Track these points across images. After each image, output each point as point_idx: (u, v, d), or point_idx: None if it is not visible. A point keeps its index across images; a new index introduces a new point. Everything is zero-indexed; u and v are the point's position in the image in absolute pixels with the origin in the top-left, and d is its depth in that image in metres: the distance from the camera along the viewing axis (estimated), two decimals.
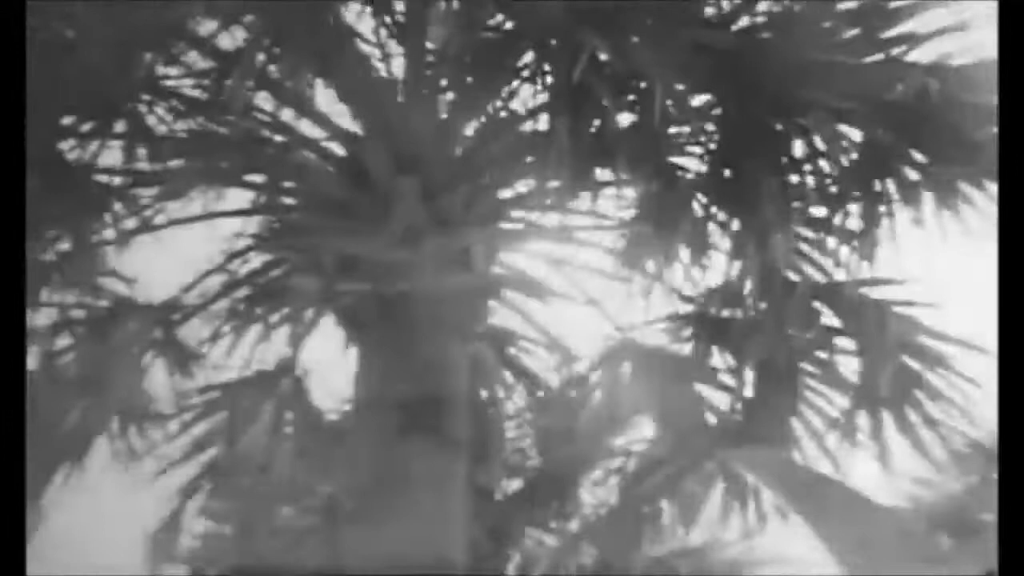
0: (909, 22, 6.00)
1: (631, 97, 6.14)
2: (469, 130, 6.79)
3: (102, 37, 5.90)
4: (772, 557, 10.72)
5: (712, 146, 6.46)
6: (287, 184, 6.99)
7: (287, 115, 6.63)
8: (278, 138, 6.81)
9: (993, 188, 6.06)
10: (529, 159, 6.59)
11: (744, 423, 6.69)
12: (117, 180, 6.76)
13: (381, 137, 6.50)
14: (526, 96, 6.42)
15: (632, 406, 7.39)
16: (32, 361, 6.81)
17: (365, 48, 6.56)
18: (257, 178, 7.05)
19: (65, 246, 6.67)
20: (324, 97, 6.56)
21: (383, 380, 6.41)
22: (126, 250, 6.88)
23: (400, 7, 6.67)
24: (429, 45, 6.65)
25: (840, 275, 6.54)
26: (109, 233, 6.79)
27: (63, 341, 7.03)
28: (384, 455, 6.25)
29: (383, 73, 6.63)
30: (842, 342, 6.73)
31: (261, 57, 6.06)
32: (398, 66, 6.63)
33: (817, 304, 6.54)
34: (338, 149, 6.70)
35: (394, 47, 6.64)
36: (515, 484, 10.40)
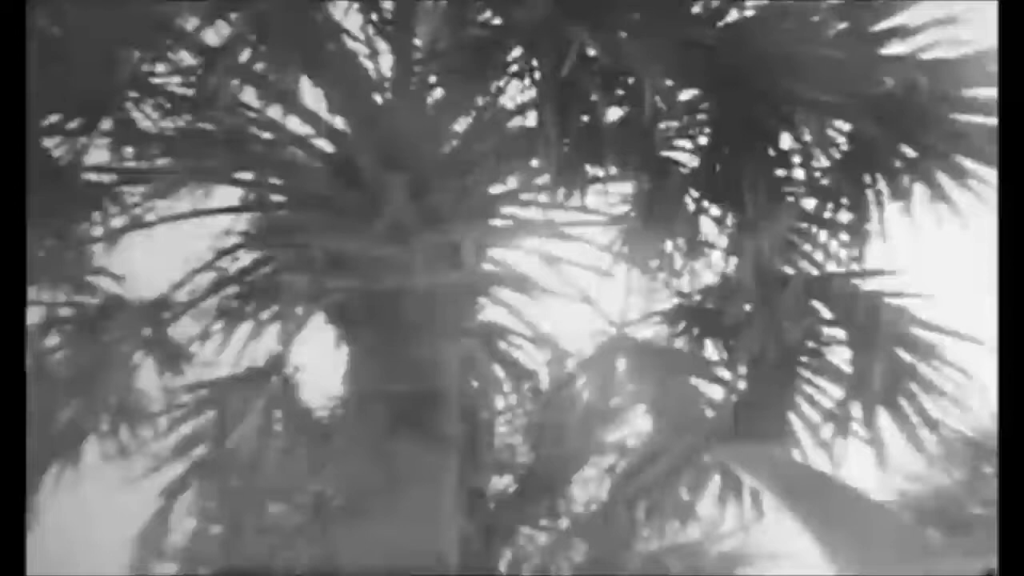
0: (898, 16, 6.00)
1: (620, 92, 6.13)
2: (458, 126, 6.79)
3: (88, 34, 5.88)
4: (767, 554, 10.74)
5: (702, 141, 6.46)
6: (276, 181, 6.99)
7: (275, 112, 6.63)
8: (266, 135, 6.80)
9: (979, 179, 6.07)
10: (518, 155, 6.59)
11: (738, 416, 6.69)
12: (105, 178, 6.74)
13: (369, 134, 6.50)
14: (514, 92, 6.42)
15: (625, 401, 7.39)
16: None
17: (353, 45, 6.56)
18: (246, 175, 7.05)
19: (52, 243, 6.65)
20: (312, 94, 6.56)
21: (373, 377, 6.41)
22: (115, 248, 6.86)
23: (388, 4, 6.67)
24: (417, 42, 6.65)
25: (831, 267, 6.53)
26: (98, 231, 6.77)
27: (52, 340, 7.01)
28: (374, 452, 6.25)
29: (371, 70, 6.62)
30: (835, 334, 6.73)
31: (248, 53, 6.05)
32: (386, 63, 6.64)
33: (809, 296, 6.53)
34: (327, 146, 6.70)
35: (382, 44, 6.64)
36: (506, 481, 10.42)
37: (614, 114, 6.22)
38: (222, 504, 7.52)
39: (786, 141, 6.25)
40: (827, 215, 6.38)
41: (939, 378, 6.50)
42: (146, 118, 6.51)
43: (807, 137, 6.18)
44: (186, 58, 6.43)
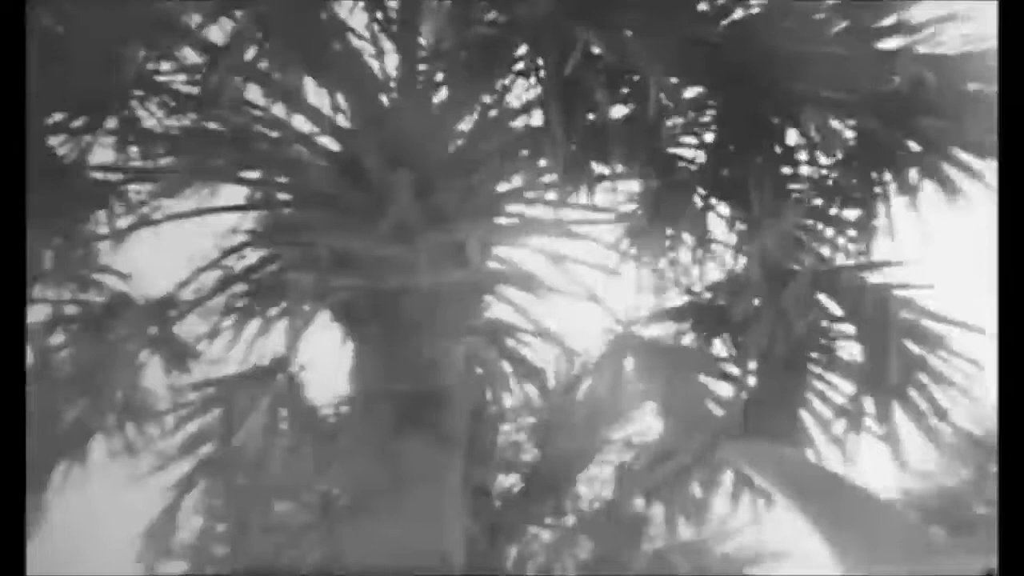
0: (901, 12, 6.00)
1: (625, 90, 6.13)
2: (463, 125, 6.79)
3: (92, 33, 5.89)
4: (775, 553, 10.73)
5: (707, 138, 6.46)
6: (281, 180, 6.99)
7: (280, 111, 6.64)
8: (272, 134, 6.81)
9: (983, 172, 6.08)
10: (524, 153, 6.59)
11: (748, 414, 6.69)
12: (111, 176, 6.75)
13: (375, 133, 6.50)
14: (520, 91, 6.42)
15: (634, 399, 7.39)
16: (28, 358, 6.80)
17: (358, 44, 6.56)
18: (251, 174, 7.06)
19: (58, 242, 6.66)
20: (317, 93, 6.57)
21: (378, 376, 6.41)
22: (121, 246, 6.87)
23: (393, 3, 6.67)
24: (422, 41, 6.65)
25: (839, 261, 6.53)
26: (103, 229, 6.78)
27: (58, 338, 7.02)
28: (379, 451, 6.26)
29: (376, 69, 6.63)
30: (844, 329, 6.73)
31: (253, 51, 6.05)
32: (391, 62, 6.64)
33: (816, 290, 6.52)
34: (332, 145, 6.70)
35: (387, 43, 6.65)
36: (512, 480, 10.42)
37: (619, 112, 6.22)
38: (228, 502, 7.52)
39: (792, 138, 6.25)
40: (833, 211, 6.38)
41: (948, 369, 6.49)
42: (151, 117, 6.52)
43: (813, 134, 6.18)
44: (191, 56, 6.45)
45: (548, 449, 10.04)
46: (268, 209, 7.04)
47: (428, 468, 6.26)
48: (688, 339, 6.96)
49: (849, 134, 6.25)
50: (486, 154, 6.61)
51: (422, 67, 6.66)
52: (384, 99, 6.64)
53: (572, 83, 5.75)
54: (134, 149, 6.60)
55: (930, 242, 6.05)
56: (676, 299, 6.96)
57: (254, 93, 6.54)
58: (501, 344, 7.64)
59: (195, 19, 6.18)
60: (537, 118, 6.30)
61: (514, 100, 6.49)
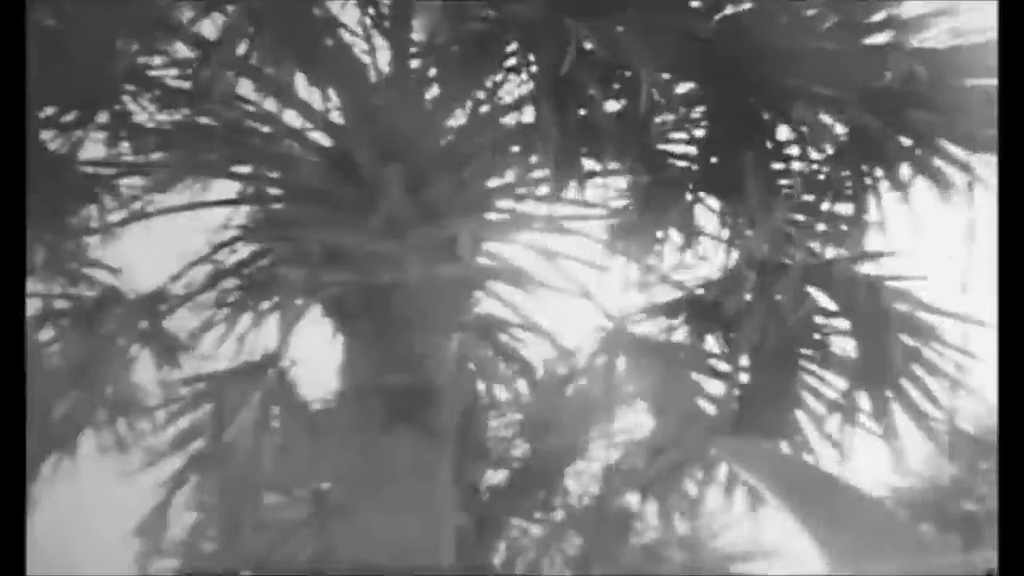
0: (892, 8, 6.01)
1: (617, 86, 6.14)
2: (455, 121, 6.79)
3: (84, 27, 5.88)
4: (765, 550, 10.74)
5: (699, 134, 6.47)
6: (273, 175, 6.99)
7: (272, 105, 6.64)
8: (263, 129, 6.81)
9: (974, 165, 6.10)
10: (515, 149, 6.59)
11: (742, 411, 6.70)
12: (102, 171, 6.74)
13: (366, 128, 6.50)
14: (511, 86, 6.43)
15: (624, 395, 7.39)
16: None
17: (350, 39, 6.56)
18: (243, 169, 7.05)
19: (48, 236, 6.65)
20: (309, 88, 6.56)
21: (369, 370, 6.42)
22: (112, 240, 6.86)
23: None
24: (414, 36, 6.65)
25: (831, 255, 6.54)
26: (94, 224, 6.77)
27: (48, 332, 7.01)
28: (370, 446, 6.26)
29: (368, 64, 6.62)
30: (836, 323, 6.74)
31: (244, 46, 6.05)
32: (383, 57, 6.64)
33: (808, 283, 6.53)
34: (324, 140, 6.70)
35: (379, 38, 6.64)
36: (501, 474, 10.42)
37: (611, 108, 6.23)
38: (220, 498, 7.51)
39: (783, 133, 6.26)
40: (825, 206, 6.39)
41: (942, 361, 6.50)
42: (143, 111, 6.52)
43: (804, 129, 6.19)
44: (183, 51, 6.44)
45: (537, 444, 10.05)
46: (259, 204, 7.04)
47: (418, 463, 6.27)
48: (680, 335, 6.96)
49: (840, 129, 6.26)
50: (478, 149, 6.62)
51: (414, 63, 6.66)
52: (376, 95, 6.64)
53: (564, 79, 5.75)
54: (125, 144, 6.60)
55: (922, 235, 6.07)
56: (667, 295, 6.97)
57: (246, 88, 6.54)
58: (492, 340, 7.65)
59: (187, 14, 6.17)
60: (529, 114, 6.31)
61: (506, 96, 6.50)
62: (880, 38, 6.05)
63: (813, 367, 6.76)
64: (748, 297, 6.46)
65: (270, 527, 8.91)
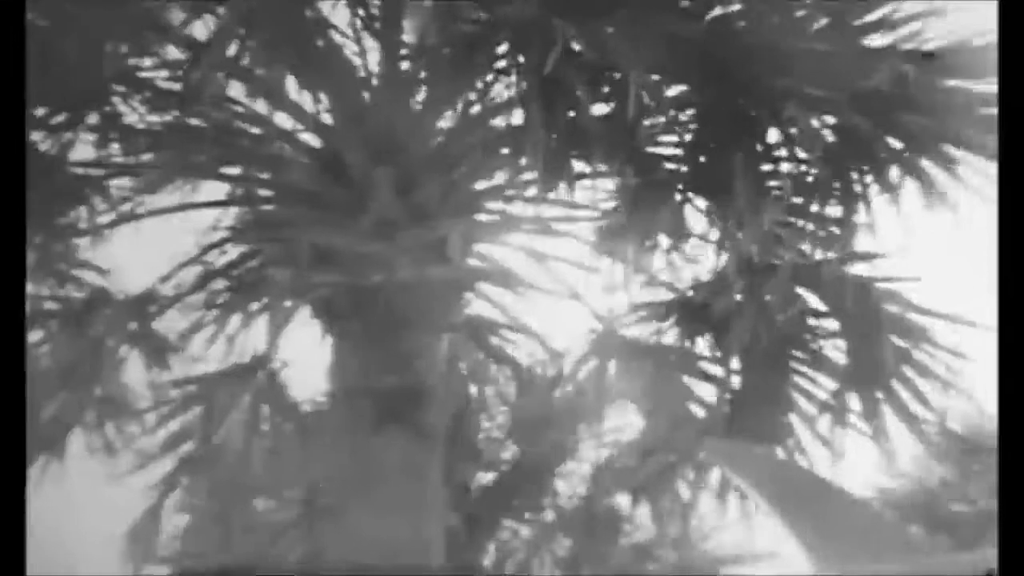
0: (884, 8, 6.02)
1: (606, 88, 6.14)
2: (445, 122, 6.79)
3: (75, 28, 5.87)
4: (757, 553, 10.73)
5: (688, 136, 6.47)
6: (263, 176, 6.98)
7: (262, 107, 6.63)
8: (254, 130, 6.80)
9: (964, 168, 6.11)
10: (505, 151, 6.59)
11: (734, 413, 6.71)
12: (92, 172, 6.73)
13: (357, 129, 6.50)
14: (501, 88, 6.43)
15: (614, 397, 7.39)
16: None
17: (340, 40, 6.56)
18: (233, 170, 7.05)
19: (38, 237, 6.63)
20: (299, 89, 6.56)
21: (359, 372, 6.42)
22: (102, 242, 6.85)
23: (375, 0, 6.67)
24: (404, 38, 6.65)
25: (820, 256, 6.55)
26: (84, 225, 6.76)
27: (37, 333, 6.99)
28: (360, 446, 6.26)
29: (358, 66, 6.62)
30: (826, 324, 6.75)
31: (235, 47, 6.05)
32: (374, 59, 6.64)
33: (797, 284, 6.54)
34: (314, 141, 6.70)
35: (369, 40, 6.64)
36: (491, 475, 10.42)
37: (601, 110, 6.23)
38: (210, 501, 7.51)
39: (773, 135, 6.27)
40: (815, 208, 6.39)
41: (933, 363, 6.51)
42: (133, 112, 6.51)
43: (793, 130, 6.19)
44: (173, 53, 6.44)
45: (527, 445, 10.05)
46: (249, 205, 7.03)
47: (408, 464, 6.27)
48: (670, 337, 6.97)
49: (830, 130, 6.26)
50: (468, 150, 6.62)
51: (404, 64, 6.66)
52: (366, 96, 6.64)
53: (553, 81, 5.75)
54: (115, 145, 6.59)
55: (912, 236, 6.08)
56: (657, 296, 6.97)
57: (236, 90, 6.54)
58: (482, 341, 7.65)
59: (178, 16, 6.17)
60: (519, 116, 6.31)
61: (496, 98, 6.50)
62: (871, 39, 6.05)
63: (804, 368, 6.77)
64: (738, 298, 6.47)
65: (260, 529, 8.91)
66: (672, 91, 6.35)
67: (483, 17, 6.17)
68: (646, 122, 6.31)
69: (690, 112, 6.43)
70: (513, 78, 6.22)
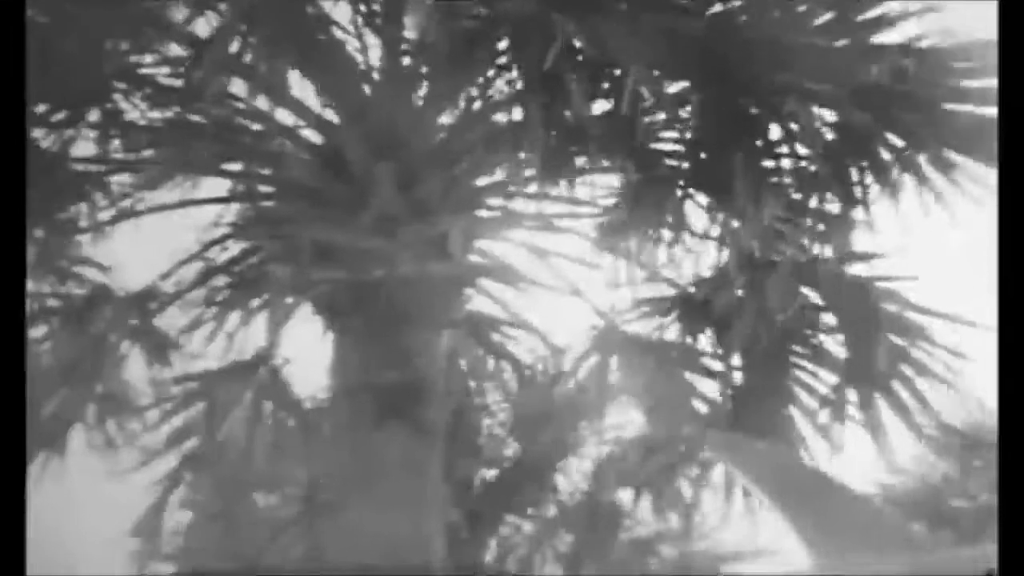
0: (884, 4, 6.01)
1: (606, 85, 6.14)
2: (446, 118, 6.79)
3: (77, 25, 5.87)
4: (758, 547, 10.72)
5: (688, 133, 6.46)
6: (264, 172, 6.98)
7: (263, 103, 6.63)
8: (255, 126, 6.80)
9: (961, 166, 6.11)
10: (506, 147, 6.58)
11: (736, 409, 6.71)
12: (93, 168, 6.73)
13: (358, 125, 6.50)
14: (502, 84, 6.42)
15: (616, 393, 7.39)
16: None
17: (342, 36, 6.55)
18: (234, 166, 7.05)
19: (39, 234, 6.63)
20: (300, 85, 6.56)
21: (360, 368, 6.41)
22: (103, 238, 6.85)
23: None
24: (406, 34, 6.65)
25: (820, 253, 6.55)
26: (85, 221, 6.76)
27: (38, 330, 6.99)
28: (360, 443, 6.26)
29: (360, 62, 6.62)
30: (828, 320, 6.75)
31: (237, 44, 6.04)
32: (375, 55, 6.63)
33: (798, 282, 6.54)
34: (315, 137, 6.69)
35: (371, 36, 6.63)
36: (493, 470, 10.42)
37: (601, 107, 6.23)
38: (213, 497, 7.52)
39: (774, 131, 6.26)
40: (814, 204, 6.39)
41: (931, 361, 6.51)
42: (134, 109, 6.51)
43: (794, 126, 6.19)
44: (175, 49, 6.43)
45: (528, 441, 10.05)
46: (250, 201, 7.03)
47: (409, 460, 6.27)
48: (672, 333, 6.97)
49: (829, 127, 6.26)
50: (469, 146, 6.61)
51: (405, 60, 6.65)
52: (367, 91, 6.63)
53: (553, 77, 5.75)
54: (116, 141, 6.59)
55: (910, 235, 6.08)
56: (658, 292, 6.97)
57: (237, 86, 6.54)
58: (483, 337, 7.65)
59: (179, 13, 6.17)
60: (520, 112, 6.31)
61: (497, 93, 6.50)
62: (872, 34, 6.04)
63: (805, 363, 6.77)
64: (740, 293, 6.47)
65: (262, 525, 8.91)
66: (673, 87, 6.34)
67: (483, 13, 6.17)
68: (646, 118, 6.31)
69: (691, 107, 6.42)
70: (514, 74, 6.22)
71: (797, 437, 6.75)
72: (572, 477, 10.24)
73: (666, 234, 6.56)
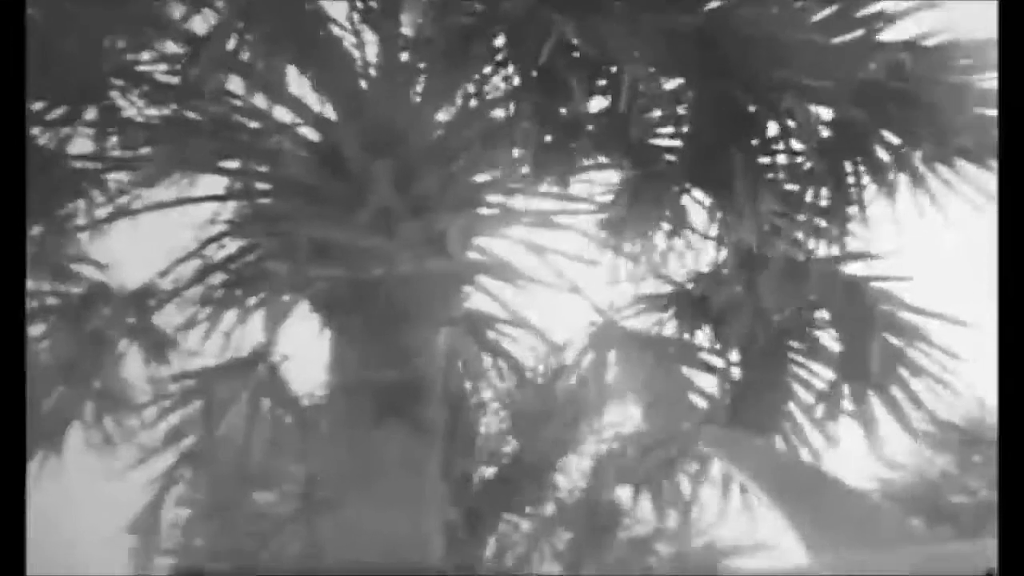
0: (882, 1, 6.01)
1: (603, 82, 6.13)
2: (443, 115, 6.78)
3: (74, 22, 5.87)
4: (755, 544, 10.72)
5: (685, 128, 6.45)
6: (261, 169, 6.97)
7: (260, 101, 6.62)
8: (252, 124, 6.79)
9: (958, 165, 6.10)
10: (503, 144, 6.58)
11: (735, 405, 6.72)
12: (90, 166, 6.73)
13: (355, 122, 6.49)
14: (500, 80, 6.41)
15: (615, 389, 7.39)
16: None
17: (339, 33, 6.54)
18: (231, 164, 7.04)
19: (36, 231, 6.63)
20: (298, 82, 6.55)
21: (358, 365, 6.41)
22: (100, 236, 6.85)
23: None
24: (403, 30, 6.64)
25: (816, 251, 6.55)
26: (82, 219, 6.76)
27: (36, 328, 6.99)
28: (359, 441, 6.26)
29: (357, 58, 6.61)
30: (824, 317, 6.76)
31: (234, 41, 6.04)
32: (372, 51, 6.62)
33: (793, 280, 6.54)
34: (312, 134, 6.69)
35: (368, 32, 6.63)
36: (491, 468, 10.42)
37: (598, 103, 6.22)
38: (211, 494, 7.52)
39: (771, 127, 6.25)
40: (810, 200, 6.38)
41: (927, 361, 6.52)
42: (131, 106, 6.50)
43: (791, 122, 6.18)
44: (172, 46, 6.42)
45: (527, 439, 10.04)
46: (247, 199, 7.03)
47: (407, 458, 6.26)
48: (670, 329, 6.98)
49: (826, 122, 6.25)
50: (467, 143, 6.61)
51: (403, 56, 6.64)
52: (364, 88, 6.63)
53: (549, 74, 5.74)
54: (114, 139, 6.58)
55: (905, 235, 6.08)
56: (656, 289, 6.97)
57: (234, 83, 6.53)
58: (481, 334, 7.65)
59: (177, 11, 6.17)
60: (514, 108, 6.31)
61: (494, 90, 6.49)
62: (870, 31, 6.04)
63: (802, 359, 6.78)
64: (738, 289, 6.47)
65: (259, 522, 8.91)
66: (669, 84, 6.34)
67: (480, 9, 6.16)
68: (644, 115, 6.30)
69: (687, 104, 6.42)
70: (511, 70, 6.21)
71: (794, 430, 6.76)
72: (571, 475, 10.24)
73: (664, 229, 6.56)
